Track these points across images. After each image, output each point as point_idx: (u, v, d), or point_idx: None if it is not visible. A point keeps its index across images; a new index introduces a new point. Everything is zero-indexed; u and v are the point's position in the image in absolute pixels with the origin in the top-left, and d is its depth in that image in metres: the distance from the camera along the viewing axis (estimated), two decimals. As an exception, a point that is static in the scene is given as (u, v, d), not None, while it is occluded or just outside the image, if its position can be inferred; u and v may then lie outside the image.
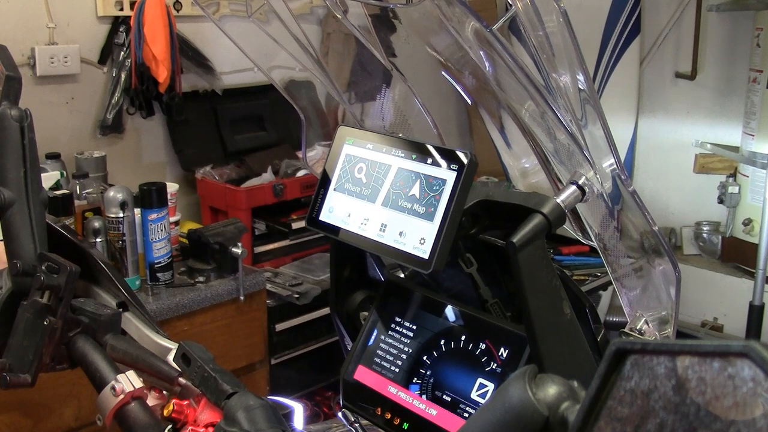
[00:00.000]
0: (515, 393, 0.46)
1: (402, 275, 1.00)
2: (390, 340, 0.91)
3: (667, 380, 0.36)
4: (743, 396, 0.33)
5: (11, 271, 0.86)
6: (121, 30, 2.58)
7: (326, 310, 2.42)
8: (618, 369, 0.38)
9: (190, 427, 0.73)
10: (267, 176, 2.76)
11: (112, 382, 0.78)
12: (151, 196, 2.12)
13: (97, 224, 2.12)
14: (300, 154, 2.84)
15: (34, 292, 0.84)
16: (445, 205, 0.77)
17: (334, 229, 0.87)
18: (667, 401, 0.35)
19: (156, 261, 2.15)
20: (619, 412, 0.37)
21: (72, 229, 1.08)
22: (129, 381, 0.78)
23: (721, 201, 3.26)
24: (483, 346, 0.84)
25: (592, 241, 0.89)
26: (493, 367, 0.83)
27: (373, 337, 0.93)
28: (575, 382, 0.47)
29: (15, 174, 0.86)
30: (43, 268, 0.83)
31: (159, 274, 2.16)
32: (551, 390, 0.46)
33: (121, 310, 0.89)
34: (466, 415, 0.82)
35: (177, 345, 0.77)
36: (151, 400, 0.79)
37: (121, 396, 0.77)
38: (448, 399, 0.84)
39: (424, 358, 0.88)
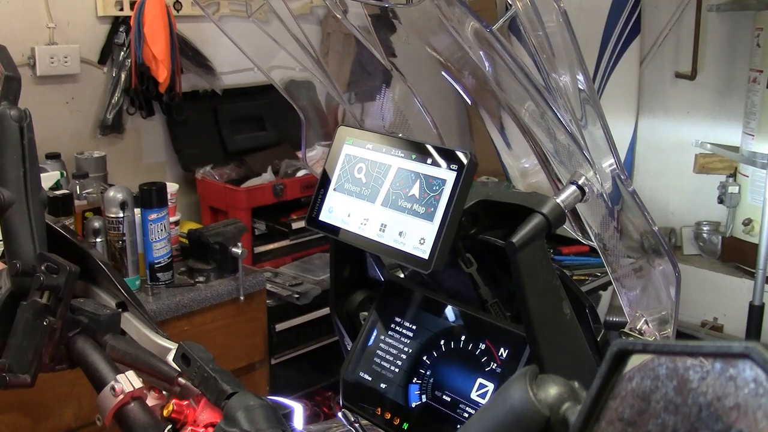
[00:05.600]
0: (516, 394, 0.46)
1: (402, 275, 1.00)
2: (390, 340, 0.91)
3: (669, 381, 0.36)
4: (745, 397, 0.33)
5: (11, 271, 0.86)
6: (121, 30, 2.58)
7: (326, 310, 2.42)
8: (619, 370, 0.38)
9: (189, 428, 0.72)
10: (267, 176, 2.76)
11: (112, 383, 0.77)
12: (151, 196, 2.12)
13: (97, 224, 2.12)
14: (300, 154, 2.84)
15: (33, 292, 0.83)
16: (444, 205, 0.77)
17: (334, 229, 0.87)
18: (669, 402, 0.35)
19: (156, 261, 2.15)
20: (621, 413, 0.37)
21: (71, 230, 1.08)
22: (128, 381, 0.78)
23: (721, 201, 3.26)
24: (483, 346, 0.84)
25: (592, 241, 0.89)
26: (493, 367, 0.82)
27: (372, 337, 0.93)
28: (576, 382, 0.47)
29: (14, 174, 0.85)
30: (42, 268, 0.83)
31: (159, 274, 2.16)
32: (552, 390, 0.45)
33: (120, 310, 0.89)
34: (466, 415, 0.82)
35: (177, 345, 0.76)
36: (151, 401, 0.78)
37: (121, 396, 0.77)
38: (448, 399, 0.84)
39: (424, 358, 0.88)
